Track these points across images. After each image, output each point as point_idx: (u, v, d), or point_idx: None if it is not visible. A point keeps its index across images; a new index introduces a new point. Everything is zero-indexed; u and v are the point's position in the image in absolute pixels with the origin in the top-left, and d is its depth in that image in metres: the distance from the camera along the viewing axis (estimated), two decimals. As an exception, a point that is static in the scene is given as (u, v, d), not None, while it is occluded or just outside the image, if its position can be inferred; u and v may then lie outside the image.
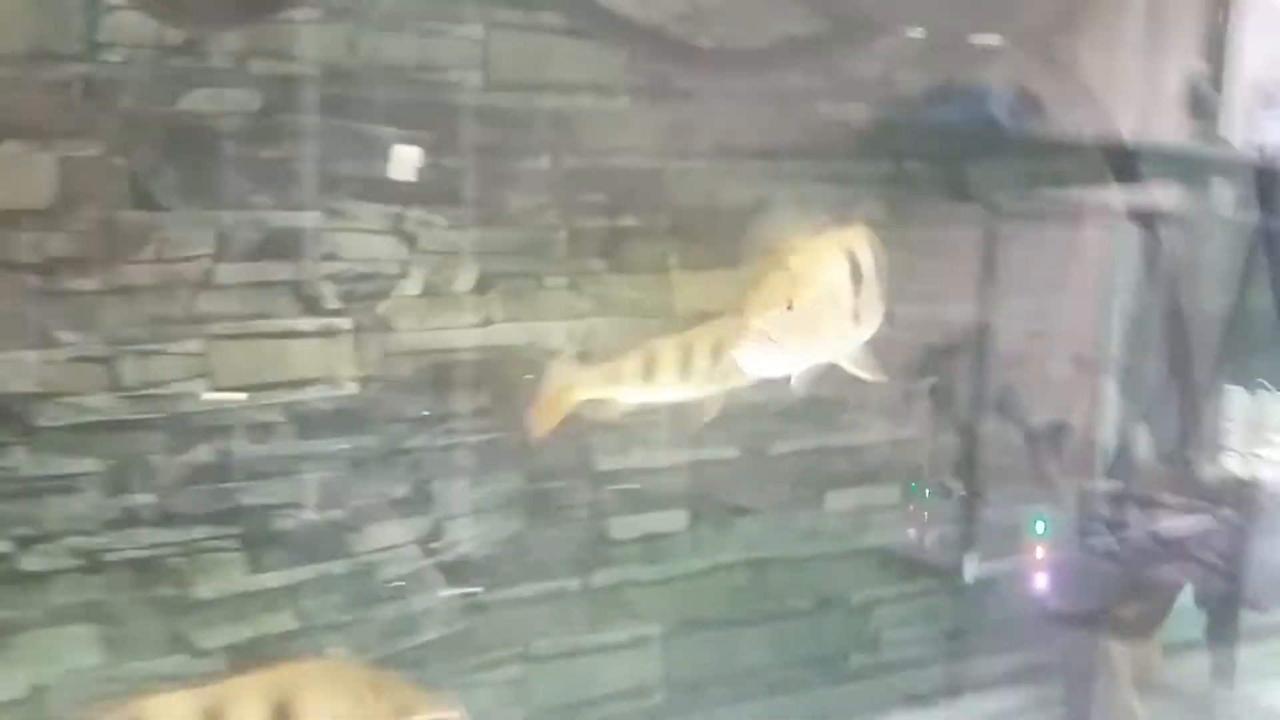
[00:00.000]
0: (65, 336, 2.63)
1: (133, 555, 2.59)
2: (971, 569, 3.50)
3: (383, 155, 2.94)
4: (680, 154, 3.29)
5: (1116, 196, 3.43)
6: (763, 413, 3.19)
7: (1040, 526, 3.31)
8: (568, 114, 3.19)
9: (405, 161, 2.82)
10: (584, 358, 2.25)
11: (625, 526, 3.14)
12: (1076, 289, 3.57)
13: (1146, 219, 3.48)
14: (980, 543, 3.49)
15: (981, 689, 3.43)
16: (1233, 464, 4.28)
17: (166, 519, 2.61)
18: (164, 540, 2.62)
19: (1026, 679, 3.48)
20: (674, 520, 3.24)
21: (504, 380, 2.96)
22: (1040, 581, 3.44)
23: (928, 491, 3.67)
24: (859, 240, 2.23)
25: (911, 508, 3.59)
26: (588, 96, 3.22)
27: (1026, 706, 3.45)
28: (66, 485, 2.56)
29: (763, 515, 3.30)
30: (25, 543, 2.50)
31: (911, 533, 3.58)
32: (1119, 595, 3.53)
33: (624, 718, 3.05)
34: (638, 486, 3.12)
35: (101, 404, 2.63)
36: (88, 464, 2.58)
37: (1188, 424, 3.78)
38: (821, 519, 3.37)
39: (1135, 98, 3.65)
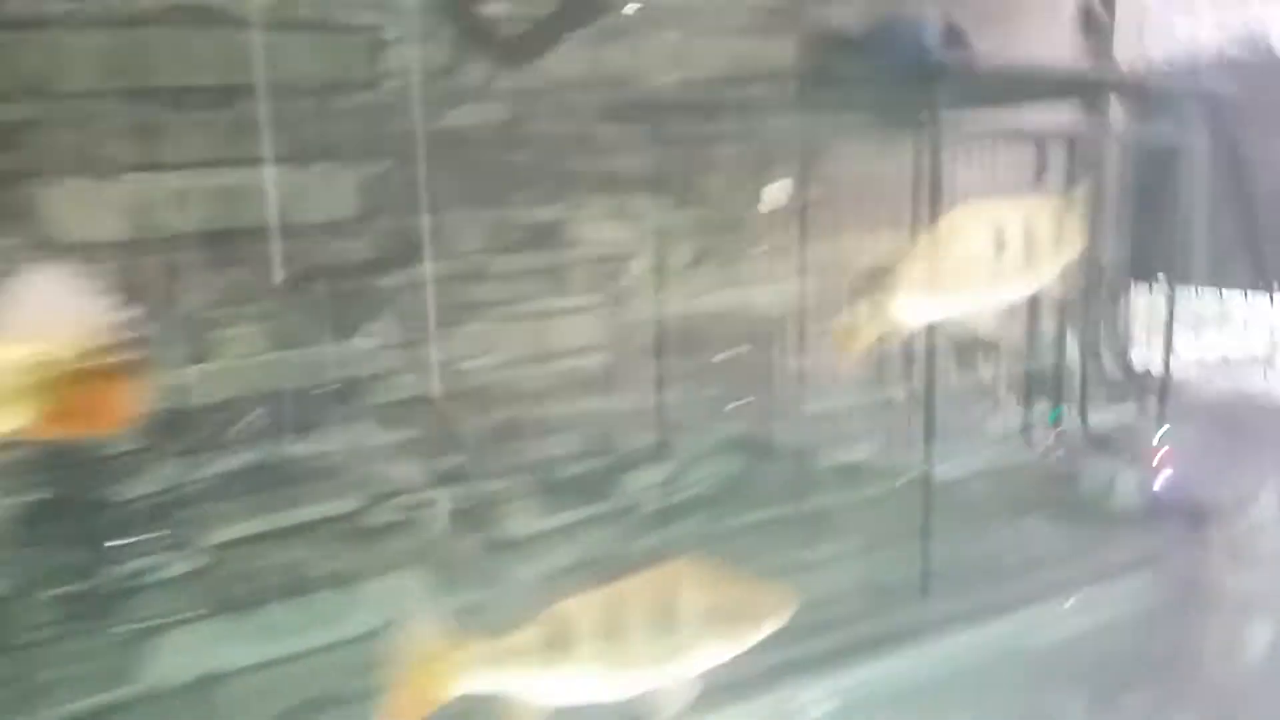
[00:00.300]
0: (373, 328, 3.10)
1: (451, 507, 3.09)
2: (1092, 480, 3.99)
3: (608, 151, 3.38)
4: (839, 130, 3.74)
5: (1032, 118, 3.74)
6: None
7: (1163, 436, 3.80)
8: (749, 103, 3.62)
9: (776, 193, 3.27)
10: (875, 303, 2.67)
11: (828, 458, 3.63)
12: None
13: (1058, 138, 3.79)
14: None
15: (1110, 576, 3.92)
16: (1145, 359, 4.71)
17: (474, 474, 3.10)
18: (473, 493, 3.11)
19: (1143, 566, 3.96)
20: (866, 450, 3.74)
21: (722, 340, 3.42)
22: (1160, 480, 3.96)
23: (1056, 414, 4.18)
24: (1012, 213, 2.71)
25: (1047, 426, 4.09)
26: (763, 85, 3.66)
27: (1145, 588, 3.93)
28: (394, 451, 3.03)
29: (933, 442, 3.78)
30: (368, 501, 2.98)
31: (1048, 448, 4.08)
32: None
33: (834, 619, 3.53)
34: (836, 423, 3.60)
35: (410, 382, 3.10)
36: (408, 433, 3.05)
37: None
38: (981, 441, 3.85)
39: (1032, 20, 4.01)
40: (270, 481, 2.90)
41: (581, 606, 2.08)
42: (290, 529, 2.95)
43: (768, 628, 2.16)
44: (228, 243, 2.89)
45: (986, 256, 2.59)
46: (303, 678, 2.70)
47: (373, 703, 2.60)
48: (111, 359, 1.40)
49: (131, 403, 1.45)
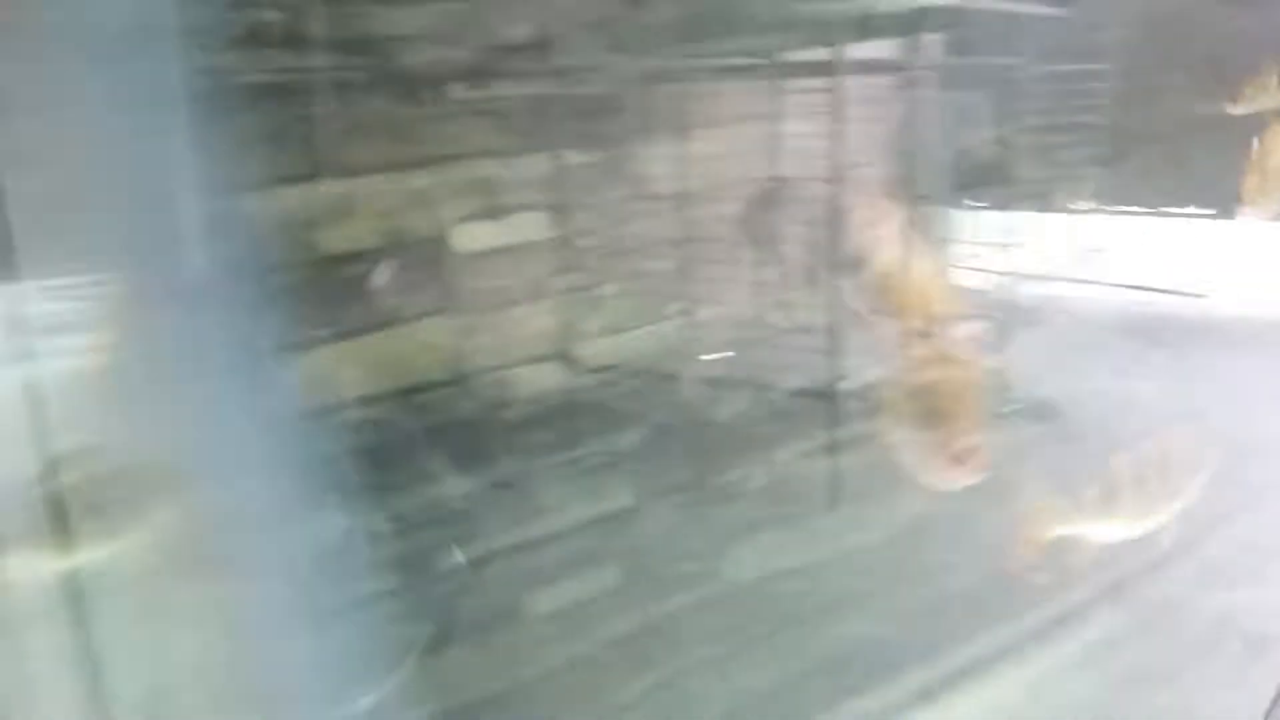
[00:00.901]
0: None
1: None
2: None
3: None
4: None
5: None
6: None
7: None
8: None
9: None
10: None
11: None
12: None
13: (886, 69, 3.82)
14: None
15: None
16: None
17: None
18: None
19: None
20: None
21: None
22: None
23: None
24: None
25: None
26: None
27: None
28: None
29: None
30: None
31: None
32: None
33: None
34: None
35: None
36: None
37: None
38: None
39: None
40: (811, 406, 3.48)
41: (1121, 471, 2.62)
42: (827, 446, 3.40)
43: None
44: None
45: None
46: (834, 578, 3.05)
47: (888, 604, 3.03)
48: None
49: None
